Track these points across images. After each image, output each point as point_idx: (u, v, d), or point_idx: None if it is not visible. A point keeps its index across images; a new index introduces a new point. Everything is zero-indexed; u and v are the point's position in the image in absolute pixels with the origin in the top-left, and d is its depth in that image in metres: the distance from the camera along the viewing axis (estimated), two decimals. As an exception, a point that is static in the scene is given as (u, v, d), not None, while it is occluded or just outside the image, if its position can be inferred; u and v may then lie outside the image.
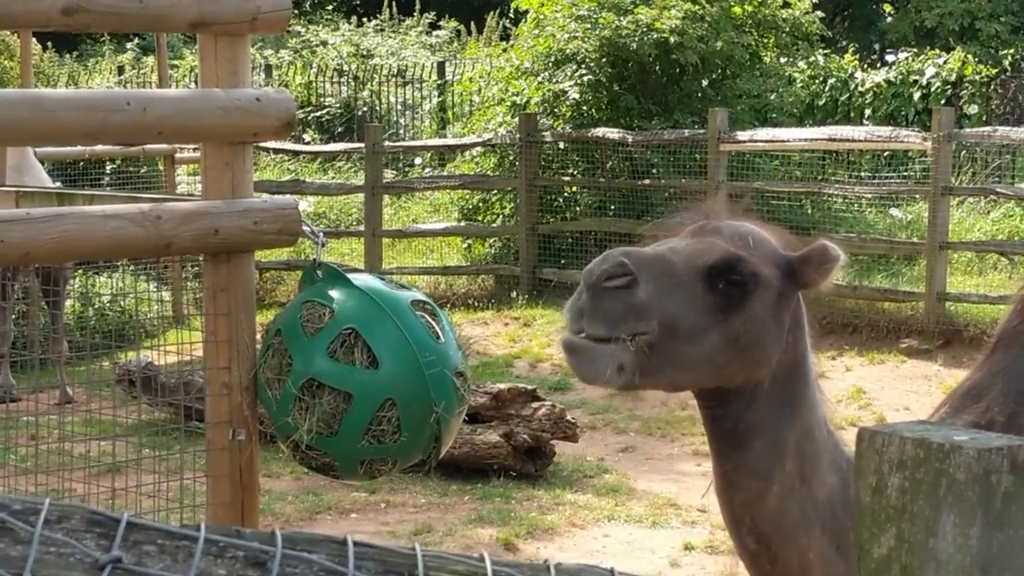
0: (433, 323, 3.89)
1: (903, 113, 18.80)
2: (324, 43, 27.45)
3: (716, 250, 3.36)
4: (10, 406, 10.65)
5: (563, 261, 16.29)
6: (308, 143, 22.66)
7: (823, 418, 3.52)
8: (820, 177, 15.71)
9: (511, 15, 21.68)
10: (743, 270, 3.32)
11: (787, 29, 18.74)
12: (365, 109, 24.98)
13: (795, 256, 3.43)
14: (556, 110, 17.40)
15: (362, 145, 17.60)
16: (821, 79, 19.55)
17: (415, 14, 29.06)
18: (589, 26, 17.01)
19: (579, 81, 17.15)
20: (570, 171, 16.95)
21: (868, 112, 19.07)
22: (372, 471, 3.91)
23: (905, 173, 15.30)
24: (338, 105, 24.98)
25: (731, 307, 3.32)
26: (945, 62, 18.85)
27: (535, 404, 9.92)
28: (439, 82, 24.70)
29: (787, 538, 3.41)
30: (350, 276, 3.96)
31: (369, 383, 3.73)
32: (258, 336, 4.21)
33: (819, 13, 18.62)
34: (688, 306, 3.29)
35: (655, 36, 16.66)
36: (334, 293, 3.89)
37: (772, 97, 17.92)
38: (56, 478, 5.42)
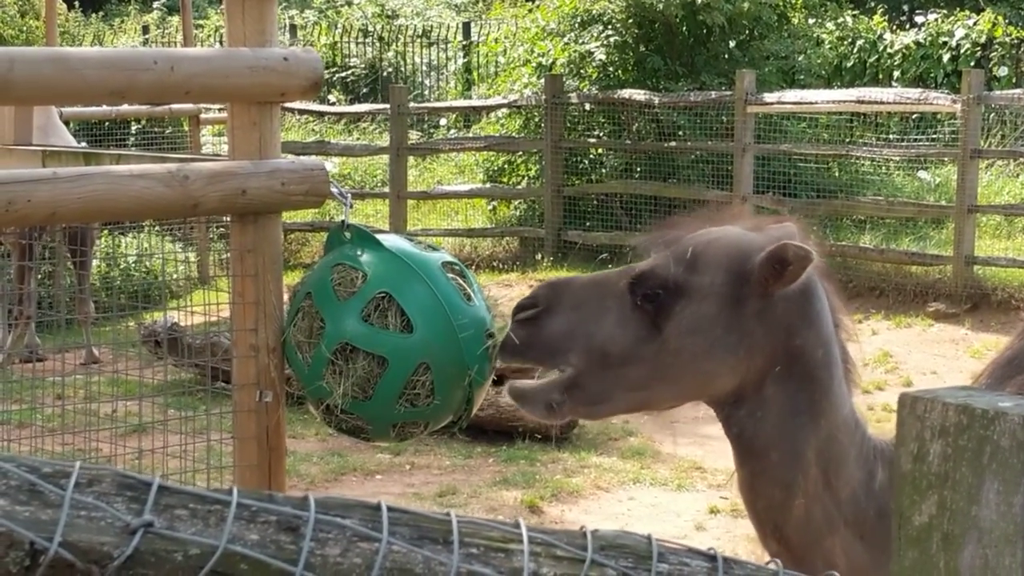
0: (464, 285, 3.86)
1: (932, 75, 18.67)
2: (349, 3, 27.38)
3: (634, 268, 3.42)
4: (36, 366, 10.68)
5: (588, 223, 16.25)
6: (333, 104, 22.62)
7: (850, 414, 3.43)
8: (848, 139, 15.62)
9: (537, -25, 21.57)
10: (650, 285, 3.35)
11: (815, -10, 18.63)
12: (390, 70, 24.92)
13: (757, 259, 3.32)
14: (582, 71, 17.32)
15: (387, 106, 17.56)
16: (849, 40, 19.41)
17: (440, -26, 28.97)
18: (616, -14, 16.92)
19: (605, 42, 17.06)
20: (596, 133, 16.90)
21: (897, 74, 18.94)
22: (403, 434, 3.89)
23: (934, 136, 15.21)
24: (363, 66, 24.93)
25: (659, 320, 3.34)
26: (975, 23, 18.69)
27: (561, 366, 9.90)
28: (464, 43, 24.62)
29: (812, 543, 3.38)
30: (379, 237, 3.93)
31: (404, 347, 3.70)
32: (285, 298, 4.18)
33: (848, -26, 18.52)
34: (618, 328, 3.37)
35: (682, -3, 16.57)
36: (365, 256, 3.84)
37: (800, 59, 17.80)
38: (82, 438, 5.42)
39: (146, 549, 1.41)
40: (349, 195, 4.19)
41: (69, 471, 1.43)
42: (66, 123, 12.97)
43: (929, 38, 18.92)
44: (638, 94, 16.00)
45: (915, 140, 15.15)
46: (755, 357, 3.33)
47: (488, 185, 17.80)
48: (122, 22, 30.22)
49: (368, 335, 3.70)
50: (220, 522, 1.44)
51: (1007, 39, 18.42)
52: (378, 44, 25.32)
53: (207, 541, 1.42)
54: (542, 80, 16.96)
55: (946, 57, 18.61)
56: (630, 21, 17.06)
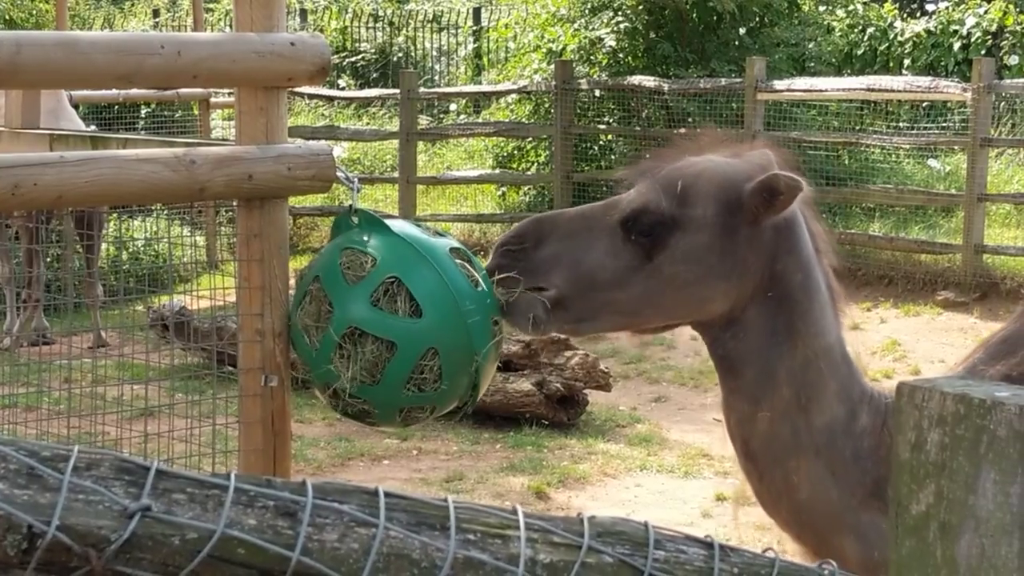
0: (471, 270, 3.85)
1: (943, 63, 18.61)
2: (360, -12, 27.36)
3: (626, 202, 3.50)
4: (44, 349, 10.70)
5: (597, 209, 16.20)
6: (343, 89, 22.61)
7: (836, 345, 3.52)
8: (858, 127, 15.59)
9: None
10: (645, 221, 3.45)
11: (826, -23, 18.58)
12: (400, 55, 24.90)
13: (747, 189, 3.42)
14: (592, 57, 17.30)
15: (397, 91, 17.55)
16: (860, 28, 19.36)
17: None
18: (626, -27, 16.90)
19: (615, 28, 17.03)
20: (605, 119, 16.88)
21: (907, 62, 18.89)
22: (409, 419, 3.89)
23: (944, 124, 15.19)
24: (373, 51, 24.91)
25: (653, 252, 3.45)
26: (986, 12, 18.63)
27: (568, 353, 9.91)
28: (475, 28, 24.60)
29: (775, 460, 3.49)
30: (387, 222, 3.93)
31: (413, 332, 3.70)
32: (291, 282, 4.18)
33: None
34: (609, 257, 3.47)
35: (693, -17, 16.54)
36: (374, 240, 3.84)
37: (810, 46, 17.76)
38: (89, 422, 5.43)
39: (144, 533, 1.41)
40: (356, 180, 4.18)
41: (68, 455, 1.43)
42: (76, 107, 12.98)
43: (940, 26, 18.87)
44: (648, 80, 15.98)
45: (925, 128, 15.12)
46: (745, 282, 3.45)
47: (497, 171, 17.79)
48: (132, 5, 30.21)
49: (377, 320, 3.70)
50: (218, 507, 1.45)
51: (1018, 27, 18.36)
52: (388, 29, 25.30)
53: (205, 526, 1.43)
54: (552, 66, 16.93)
55: (957, 45, 18.56)
56: (640, 7, 17.03)
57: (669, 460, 9.18)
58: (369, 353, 3.71)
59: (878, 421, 3.46)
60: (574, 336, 3.65)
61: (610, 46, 17.05)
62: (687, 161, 3.55)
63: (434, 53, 25.32)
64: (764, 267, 3.45)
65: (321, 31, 23.46)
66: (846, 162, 15.94)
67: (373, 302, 3.72)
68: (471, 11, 25.19)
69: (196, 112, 17.53)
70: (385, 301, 3.72)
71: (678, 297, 3.49)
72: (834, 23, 19.23)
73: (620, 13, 17.07)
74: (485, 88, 19.24)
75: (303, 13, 26.41)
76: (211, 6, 26.88)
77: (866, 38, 19.27)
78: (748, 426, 3.51)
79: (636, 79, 16.16)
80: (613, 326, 3.76)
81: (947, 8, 19.19)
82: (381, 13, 25.63)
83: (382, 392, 3.75)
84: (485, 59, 23.99)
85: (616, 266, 3.47)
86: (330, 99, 20.60)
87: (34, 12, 21.65)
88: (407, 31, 25.29)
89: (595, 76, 16.92)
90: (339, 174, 4.21)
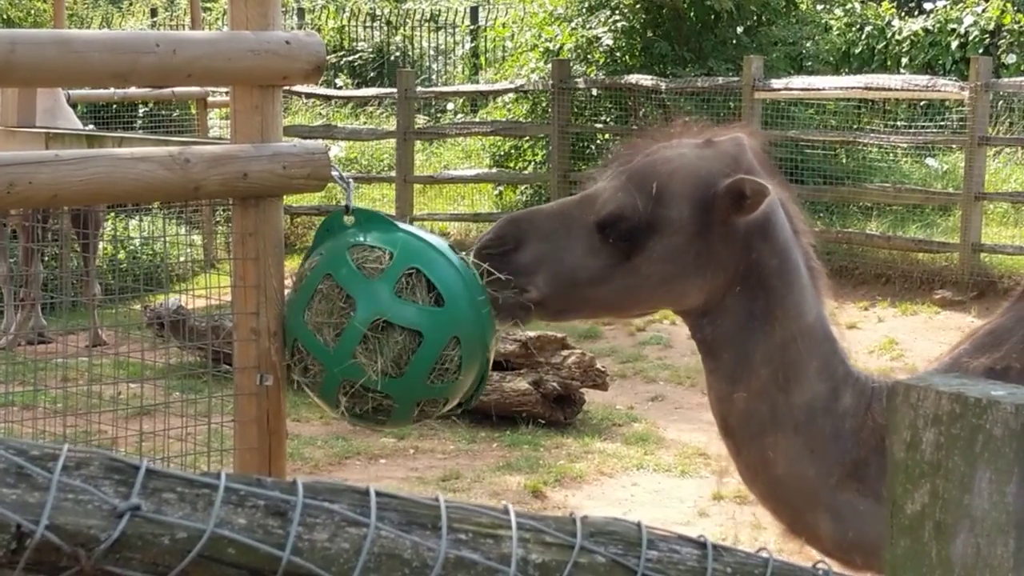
0: (471, 264, 3.87)
1: (940, 62, 18.62)
2: (357, -13, 27.35)
3: (601, 203, 3.56)
4: (41, 348, 10.69)
5: (595, 209, 16.18)
6: (340, 88, 22.61)
7: (816, 324, 3.57)
8: (855, 126, 15.59)
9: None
10: (623, 227, 3.52)
11: (824, -25, 18.59)
12: (397, 54, 24.89)
13: (717, 190, 3.48)
14: (589, 56, 17.29)
15: (394, 90, 17.54)
16: (858, 27, 19.37)
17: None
18: (624, -29, 16.90)
19: (612, 27, 17.03)
20: (603, 118, 16.87)
21: (905, 61, 18.89)
22: (423, 413, 3.89)
23: (941, 123, 15.17)
24: (370, 50, 24.91)
25: (631, 254, 3.53)
26: (983, 10, 18.64)
27: (565, 352, 9.90)
28: (472, 27, 24.60)
29: (752, 436, 3.57)
30: (387, 218, 3.95)
31: (437, 321, 3.72)
32: (287, 282, 4.17)
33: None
34: (588, 258, 3.56)
35: (690, -18, 16.54)
36: (381, 235, 3.84)
37: (808, 45, 17.76)
38: (85, 420, 5.43)
39: (133, 533, 1.41)
40: (351, 180, 4.18)
41: (57, 454, 1.42)
42: (74, 106, 12.98)
43: (937, 25, 18.87)
44: (645, 79, 15.98)
45: (923, 127, 15.11)
46: (720, 275, 3.53)
47: (495, 170, 17.79)
48: (130, 4, 30.19)
49: (403, 310, 3.72)
50: (208, 506, 1.44)
51: (1016, 26, 18.37)
52: (386, 28, 25.29)
53: (194, 525, 1.42)
54: (549, 65, 16.93)
55: (954, 44, 18.56)
56: (638, 6, 17.03)
57: (666, 459, 9.17)
58: (395, 344, 3.72)
59: (862, 403, 3.50)
60: (554, 322, 3.78)
61: (607, 45, 17.04)
62: (659, 155, 3.60)
63: (431, 52, 25.31)
64: (739, 258, 3.51)
65: (318, 30, 23.45)
66: (843, 161, 15.94)
67: (396, 293, 3.73)
68: (468, 10, 25.19)
69: (194, 111, 17.51)
70: (407, 292, 3.73)
71: (655, 293, 3.60)
72: (832, 22, 19.23)
73: (617, 12, 17.07)
74: (482, 87, 19.24)
75: (300, 12, 26.41)
76: (209, 5, 26.87)
77: (864, 37, 19.27)
78: (726, 404, 3.59)
79: (633, 78, 16.15)
80: (593, 316, 4.00)
81: (945, 7, 19.20)
82: (378, 12, 25.62)
83: (406, 385, 3.75)
84: (482, 58, 24.00)
85: (595, 266, 3.56)
86: (327, 98, 20.59)
87: (32, 11, 21.63)
88: (404, 30, 25.28)
89: (592, 75, 16.91)
90: (333, 173, 4.22)
